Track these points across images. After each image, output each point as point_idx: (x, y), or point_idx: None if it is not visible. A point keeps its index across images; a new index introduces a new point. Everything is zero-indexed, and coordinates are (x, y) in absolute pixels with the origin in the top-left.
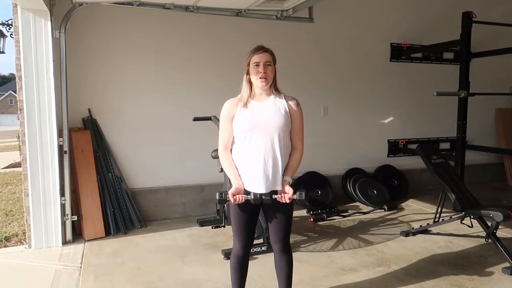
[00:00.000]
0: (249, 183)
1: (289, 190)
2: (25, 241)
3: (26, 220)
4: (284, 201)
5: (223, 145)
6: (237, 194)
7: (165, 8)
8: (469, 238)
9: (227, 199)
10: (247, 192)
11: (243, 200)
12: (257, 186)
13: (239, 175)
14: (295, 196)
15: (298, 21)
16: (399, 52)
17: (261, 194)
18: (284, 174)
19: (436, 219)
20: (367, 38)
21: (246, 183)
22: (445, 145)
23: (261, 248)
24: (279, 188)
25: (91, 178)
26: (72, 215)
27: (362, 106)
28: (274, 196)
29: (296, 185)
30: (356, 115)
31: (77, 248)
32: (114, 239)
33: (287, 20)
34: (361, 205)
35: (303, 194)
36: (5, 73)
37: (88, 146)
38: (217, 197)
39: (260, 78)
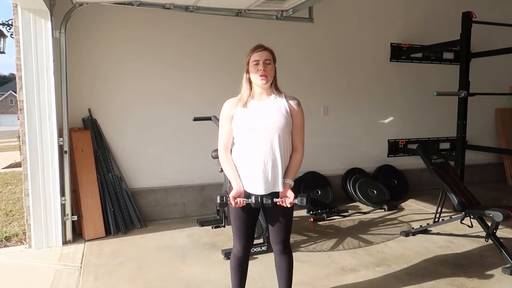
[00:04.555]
0: (248, 184)
1: (290, 194)
2: (25, 241)
3: (26, 220)
4: (285, 205)
5: (223, 146)
6: (238, 197)
7: (165, 8)
8: (469, 238)
9: (228, 203)
10: (248, 195)
11: (244, 204)
12: (256, 188)
13: (239, 176)
14: (296, 201)
15: (298, 21)
16: (399, 52)
17: (261, 197)
18: (285, 177)
19: (436, 219)
20: (367, 38)
21: (245, 184)
22: (445, 145)
23: (261, 248)
24: (279, 189)
25: (91, 178)
26: (72, 215)
27: (362, 106)
28: (275, 200)
29: (296, 185)
30: (356, 115)
31: (77, 248)
32: (114, 239)
33: (287, 20)
34: (361, 205)
35: (304, 199)
36: (5, 73)
37: (88, 146)
38: (218, 201)
39: (260, 76)
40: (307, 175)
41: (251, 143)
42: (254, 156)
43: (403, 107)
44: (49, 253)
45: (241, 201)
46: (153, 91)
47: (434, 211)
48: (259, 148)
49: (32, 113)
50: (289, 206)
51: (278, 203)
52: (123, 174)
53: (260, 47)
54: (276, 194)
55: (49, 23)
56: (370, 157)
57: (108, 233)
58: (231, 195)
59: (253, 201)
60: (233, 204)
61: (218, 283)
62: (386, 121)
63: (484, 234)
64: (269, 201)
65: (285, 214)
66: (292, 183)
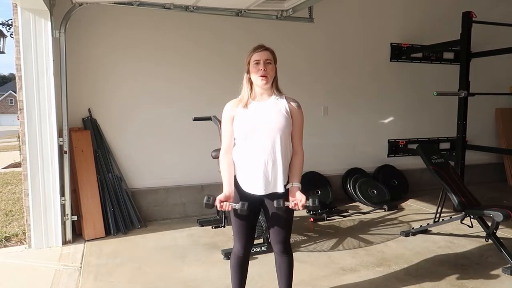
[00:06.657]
0: (248, 184)
1: (302, 196)
2: (25, 241)
3: (26, 220)
4: (297, 209)
5: (225, 147)
6: (225, 201)
7: (165, 8)
8: (469, 238)
9: (214, 205)
10: (244, 198)
11: (230, 209)
12: (257, 188)
13: (239, 175)
14: (308, 203)
15: (298, 21)
16: (399, 52)
17: (255, 202)
18: (291, 180)
19: (436, 219)
20: (367, 38)
21: (245, 184)
22: (445, 145)
23: (261, 248)
24: (278, 190)
25: (91, 178)
26: (72, 215)
27: (362, 106)
28: (287, 204)
29: None
30: (356, 115)
31: (77, 248)
32: (114, 239)
33: (287, 20)
34: (361, 205)
35: (317, 200)
36: (5, 73)
37: (88, 146)
38: (204, 201)
39: (261, 76)
40: (307, 175)
41: (251, 143)
42: (255, 156)
43: (403, 107)
44: (49, 253)
45: (228, 205)
46: (153, 90)
47: (434, 211)
48: (259, 148)
49: (32, 113)
50: (301, 209)
51: (290, 207)
52: (123, 174)
53: (261, 47)
54: (276, 195)
55: (49, 23)
56: (370, 157)
57: (108, 233)
58: (218, 197)
59: (240, 207)
60: (219, 208)
61: (218, 283)
62: (386, 121)
63: (484, 234)
64: (281, 204)
65: (286, 214)
66: (299, 185)
